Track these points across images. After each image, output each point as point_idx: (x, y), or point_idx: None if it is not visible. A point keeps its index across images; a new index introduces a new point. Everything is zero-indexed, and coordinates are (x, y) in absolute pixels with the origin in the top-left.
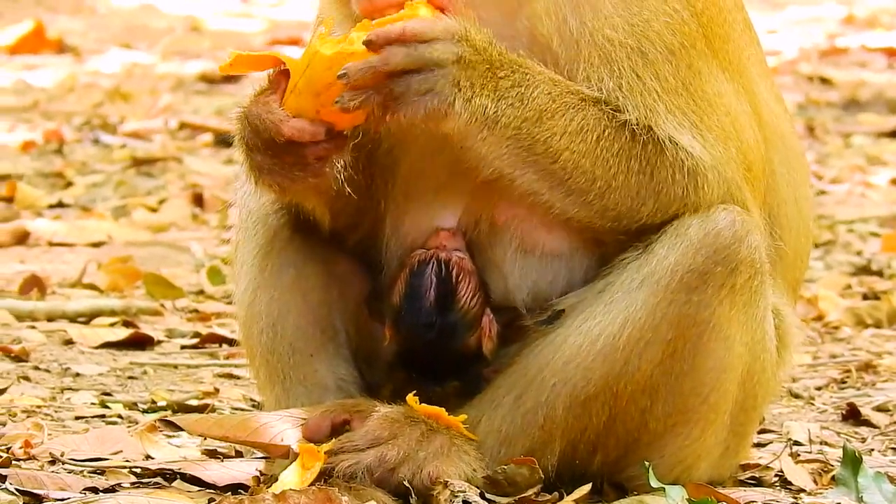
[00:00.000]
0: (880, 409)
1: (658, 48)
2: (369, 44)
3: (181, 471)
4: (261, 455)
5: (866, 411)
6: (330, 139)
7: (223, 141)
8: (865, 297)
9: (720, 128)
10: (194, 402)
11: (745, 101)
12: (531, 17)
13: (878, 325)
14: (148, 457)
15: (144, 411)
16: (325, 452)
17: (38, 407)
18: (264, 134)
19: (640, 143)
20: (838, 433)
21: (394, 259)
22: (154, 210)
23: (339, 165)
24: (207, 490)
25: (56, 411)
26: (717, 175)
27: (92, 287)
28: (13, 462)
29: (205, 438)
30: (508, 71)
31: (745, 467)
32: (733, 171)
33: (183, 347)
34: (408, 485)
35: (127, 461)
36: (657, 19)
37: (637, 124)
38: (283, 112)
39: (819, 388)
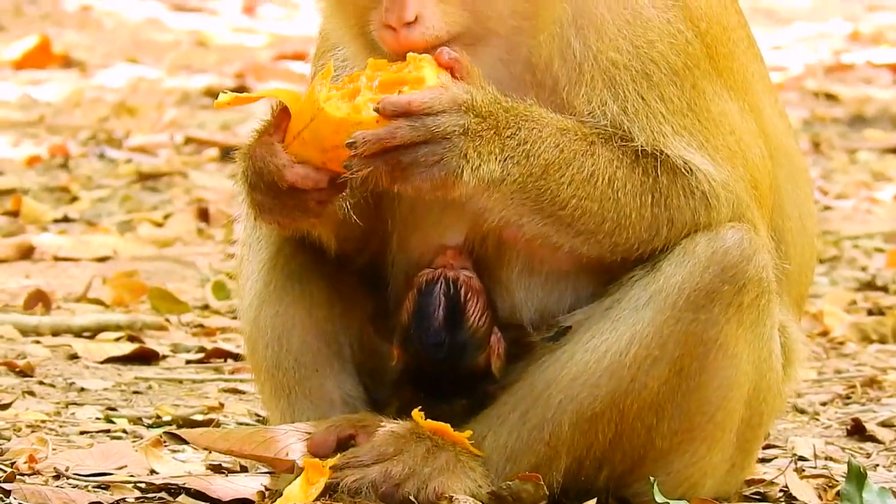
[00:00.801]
0: (885, 424)
1: (663, 69)
2: (378, 112)
3: (186, 486)
4: (266, 470)
5: (871, 427)
6: (332, 186)
7: (229, 156)
8: (870, 313)
9: (727, 147)
10: (199, 417)
11: (751, 118)
12: (532, 56)
13: (883, 341)
14: (152, 472)
15: (149, 426)
16: (330, 467)
17: (43, 422)
18: (267, 177)
19: (652, 176)
20: (843, 448)
21: (400, 276)
22: (159, 225)
23: (340, 204)
24: None
25: (61, 426)
26: (728, 194)
27: (97, 302)
28: (17, 477)
29: (209, 453)
30: (514, 129)
31: (750, 483)
32: (742, 190)
33: (188, 362)
34: (413, 500)
35: (131, 476)
36: (661, 40)
37: (647, 151)
38: (287, 157)
39: (824, 404)
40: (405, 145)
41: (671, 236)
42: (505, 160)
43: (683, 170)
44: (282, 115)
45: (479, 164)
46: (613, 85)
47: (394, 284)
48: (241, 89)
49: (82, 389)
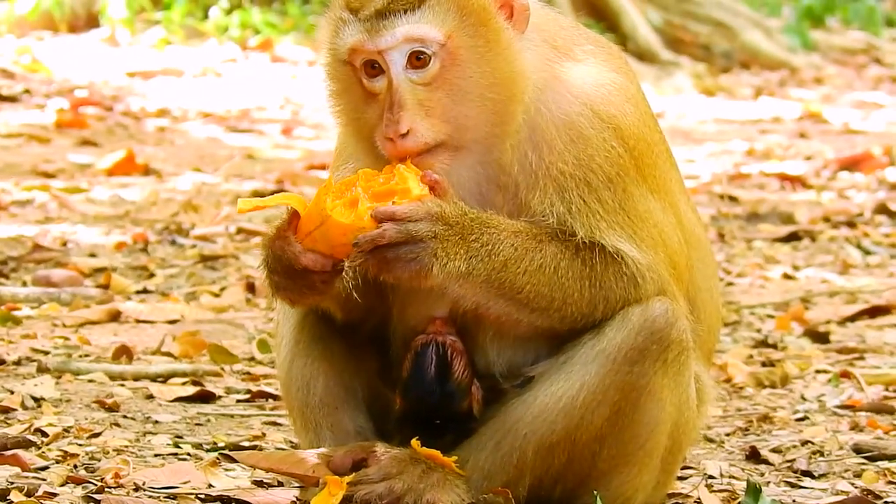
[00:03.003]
0: (775, 450)
1: (600, 177)
2: (372, 217)
3: (235, 497)
4: (297, 485)
5: (765, 452)
6: (334, 269)
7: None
8: (763, 364)
9: (651, 237)
10: (246, 444)
11: (671, 213)
12: (500, 160)
13: (773, 386)
14: (210, 486)
15: (208, 450)
16: (346, 483)
17: (125, 447)
18: (284, 261)
19: (589, 265)
20: (743, 469)
21: (399, 340)
22: (217, 295)
23: (342, 285)
24: None
25: (139, 450)
26: (652, 275)
27: (168, 354)
28: (105, 489)
29: (254, 471)
30: (478, 234)
31: (671, 496)
32: (663, 270)
33: (238, 401)
34: None
35: (194, 489)
36: (599, 154)
37: (586, 243)
38: (300, 247)
39: (728, 434)
40: (390, 244)
41: (607, 310)
42: (470, 258)
43: (616, 257)
44: (293, 216)
45: (447, 262)
46: (560, 189)
47: (395, 346)
48: (265, 193)
49: (156, 422)
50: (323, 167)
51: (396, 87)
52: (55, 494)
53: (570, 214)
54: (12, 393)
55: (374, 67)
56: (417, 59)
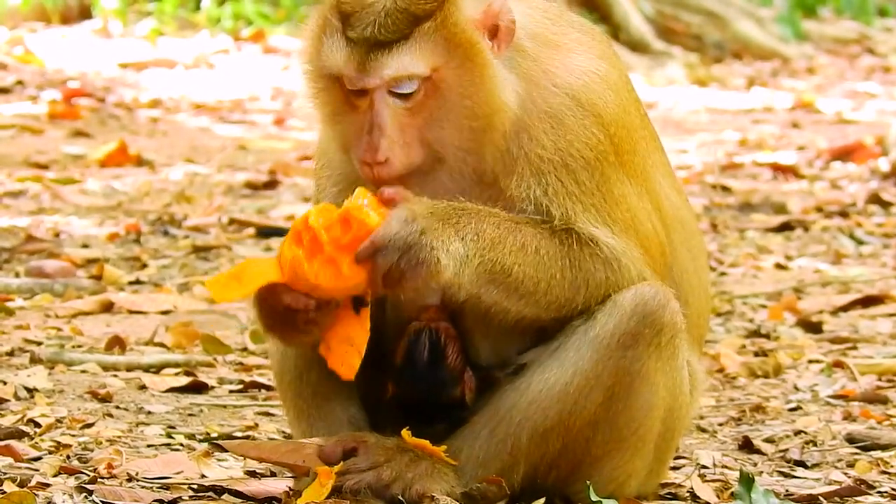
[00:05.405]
0: (768, 440)
1: (578, 161)
2: (357, 262)
3: (228, 487)
4: (289, 474)
5: (757, 442)
6: (317, 310)
7: (263, 233)
8: (756, 354)
9: (623, 220)
10: (239, 434)
11: (646, 199)
12: (480, 159)
13: (766, 376)
14: (203, 476)
15: (200, 441)
16: (336, 472)
17: (118, 437)
18: (270, 300)
19: (567, 244)
20: (735, 459)
21: (391, 329)
22: None
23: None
24: (248, 502)
25: (132, 441)
26: (627, 259)
27: (161, 345)
28: (98, 480)
29: (246, 460)
30: (456, 218)
31: (664, 485)
32: (636, 254)
33: (231, 391)
34: (401, 499)
35: (186, 479)
36: (578, 140)
37: (562, 227)
38: (284, 287)
39: (721, 424)
40: (388, 265)
41: (589, 296)
42: (462, 238)
43: (590, 241)
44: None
45: (447, 247)
46: (538, 173)
47: (387, 335)
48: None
49: (149, 412)
50: None
51: (378, 111)
52: (48, 485)
53: (546, 196)
54: (5, 384)
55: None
56: (400, 90)
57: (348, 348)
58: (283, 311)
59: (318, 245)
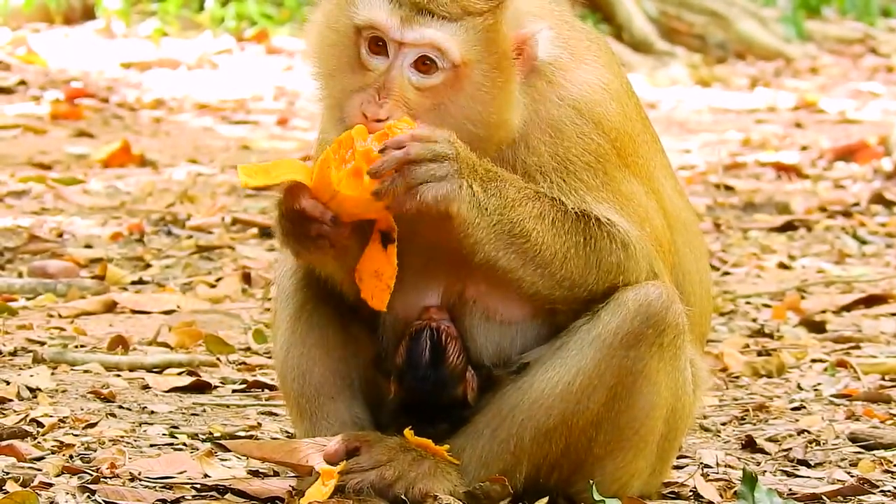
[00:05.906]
0: (771, 440)
1: (577, 164)
2: (385, 149)
3: (231, 486)
4: (292, 474)
5: (761, 442)
6: (333, 224)
7: (266, 233)
8: (759, 354)
9: (636, 214)
10: (242, 433)
11: (653, 199)
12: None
13: (769, 375)
14: (206, 475)
15: (203, 440)
16: (339, 472)
17: (121, 437)
18: (287, 203)
19: (583, 221)
20: (739, 458)
21: (389, 331)
22: (213, 286)
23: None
24: (251, 501)
25: (135, 440)
26: (641, 246)
27: (164, 345)
28: (101, 479)
29: (249, 460)
30: (483, 170)
31: (666, 485)
32: (650, 246)
33: (234, 391)
34: (404, 498)
35: (189, 479)
36: (576, 146)
37: (579, 209)
38: (305, 193)
39: (724, 424)
40: (417, 160)
41: (600, 278)
42: (485, 189)
43: (607, 221)
44: (299, 185)
45: (471, 183)
46: (537, 175)
47: (385, 337)
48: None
49: (152, 412)
50: None
51: (393, 78)
52: (51, 484)
53: (552, 193)
54: (8, 383)
55: (380, 45)
56: (424, 64)
57: (377, 282)
58: (299, 217)
59: (346, 151)
